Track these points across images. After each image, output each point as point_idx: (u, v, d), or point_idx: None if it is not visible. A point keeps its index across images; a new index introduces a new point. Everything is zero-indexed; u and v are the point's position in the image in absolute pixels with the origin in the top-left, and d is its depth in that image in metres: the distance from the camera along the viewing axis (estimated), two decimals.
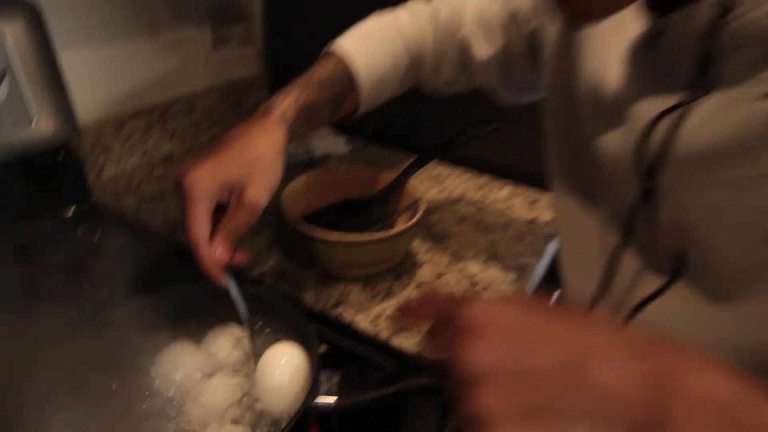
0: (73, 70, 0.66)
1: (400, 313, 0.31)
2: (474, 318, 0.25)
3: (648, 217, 0.40)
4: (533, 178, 0.86)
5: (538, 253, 0.71)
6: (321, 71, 0.53)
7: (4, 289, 0.48)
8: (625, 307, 0.45)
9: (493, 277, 0.65)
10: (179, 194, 0.44)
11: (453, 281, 0.64)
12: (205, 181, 0.43)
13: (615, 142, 0.39)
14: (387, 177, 0.70)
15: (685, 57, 0.32)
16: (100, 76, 0.77)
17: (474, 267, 0.67)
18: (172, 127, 0.88)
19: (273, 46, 1.04)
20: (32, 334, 0.49)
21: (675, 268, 0.40)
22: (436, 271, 0.66)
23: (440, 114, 0.79)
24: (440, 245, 0.71)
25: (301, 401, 0.38)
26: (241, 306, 0.45)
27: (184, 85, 0.90)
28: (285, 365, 0.40)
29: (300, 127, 0.50)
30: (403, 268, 0.65)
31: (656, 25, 0.34)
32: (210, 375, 0.44)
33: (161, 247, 0.64)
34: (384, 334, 0.54)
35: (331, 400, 0.40)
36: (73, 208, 0.71)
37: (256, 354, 0.45)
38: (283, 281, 0.62)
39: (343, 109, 0.55)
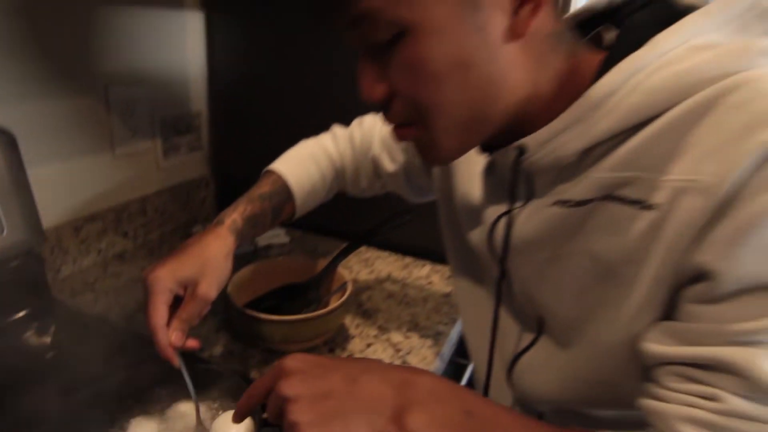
0: (38, 183, 0.75)
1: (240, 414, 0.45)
2: (282, 368, 0.39)
3: (508, 291, 0.54)
4: None
5: (452, 321, 0.84)
6: (262, 188, 0.66)
7: None
8: (508, 357, 0.58)
9: (414, 344, 0.77)
10: (144, 289, 0.54)
11: (380, 350, 0.75)
12: (165, 277, 0.53)
13: (476, 236, 0.54)
14: (320, 264, 0.82)
15: (507, 179, 0.47)
16: (61, 188, 0.87)
17: (398, 337, 0.79)
18: (125, 227, 0.98)
19: (218, 151, 1.18)
20: (7, 421, 0.56)
21: (538, 327, 0.54)
22: (365, 342, 0.77)
23: (365, 207, 0.94)
24: (369, 320, 0.83)
25: None
26: (189, 384, 0.54)
27: (136, 189, 1.01)
28: (234, 427, 0.49)
29: (247, 233, 0.62)
30: (336, 341, 0.76)
31: (490, 159, 0.50)
32: None
33: (119, 336, 0.72)
34: None
35: None
36: (32, 305, 0.77)
37: (204, 422, 0.54)
38: (231, 360, 0.70)
39: (281, 216, 0.68)
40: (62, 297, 0.83)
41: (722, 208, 0.33)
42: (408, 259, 1.05)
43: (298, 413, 0.36)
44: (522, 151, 0.44)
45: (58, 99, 0.84)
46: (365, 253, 1.06)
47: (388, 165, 0.70)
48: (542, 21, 0.39)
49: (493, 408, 0.39)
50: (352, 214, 1.02)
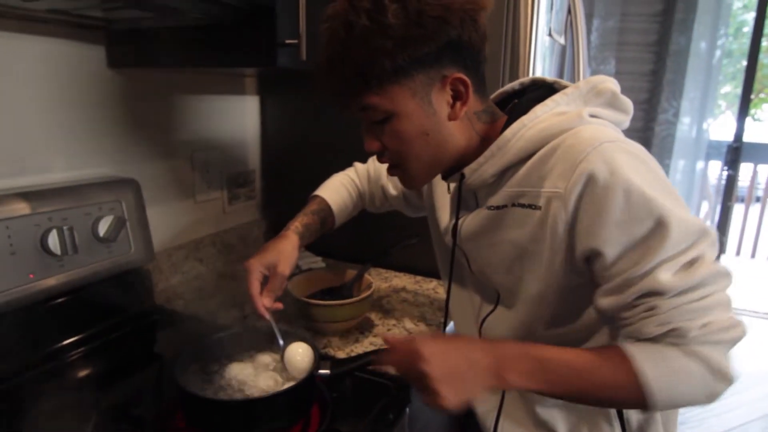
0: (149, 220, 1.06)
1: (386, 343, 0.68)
2: (420, 351, 0.60)
3: (471, 271, 0.81)
4: None
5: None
6: (312, 206, 0.96)
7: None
8: (478, 321, 0.83)
9: (421, 329, 1.03)
10: (244, 272, 0.82)
11: (396, 333, 1.01)
12: (256, 263, 0.82)
13: (447, 233, 0.81)
14: (351, 274, 1.10)
15: (457, 195, 0.75)
16: (159, 224, 1.18)
17: (409, 324, 1.05)
18: (201, 255, 1.28)
19: (268, 201, 1.50)
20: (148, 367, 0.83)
21: (497, 297, 0.80)
22: (386, 328, 1.03)
23: (381, 236, 1.22)
24: (388, 315, 1.09)
25: (311, 369, 0.74)
26: (277, 331, 0.81)
27: (209, 228, 1.32)
28: (302, 353, 0.76)
29: (304, 236, 0.91)
30: (364, 327, 1.03)
31: (446, 182, 0.79)
32: (258, 374, 0.79)
33: (203, 324, 1.00)
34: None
35: (327, 371, 0.75)
36: (144, 303, 1.06)
37: (283, 347, 0.79)
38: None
39: (327, 226, 0.97)
40: (160, 303, 1.12)
41: (576, 212, 0.60)
42: (419, 277, 1.32)
43: (437, 383, 0.58)
44: (463, 176, 0.72)
45: (161, 160, 1.17)
46: (384, 273, 1.33)
47: (392, 190, 1.00)
48: (471, 107, 0.68)
49: (547, 349, 0.62)
50: (372, 242, 1.30)
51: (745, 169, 4.07)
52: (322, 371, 0.76)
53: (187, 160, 1.24)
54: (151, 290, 1.09)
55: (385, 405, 0.81)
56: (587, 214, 0.59)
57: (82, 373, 0.91)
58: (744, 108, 3.31)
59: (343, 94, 0.67)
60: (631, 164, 0.58)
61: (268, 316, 0.81)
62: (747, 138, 3.35)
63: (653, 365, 0.57)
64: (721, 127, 3.73)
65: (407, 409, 0.86)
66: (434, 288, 1.25)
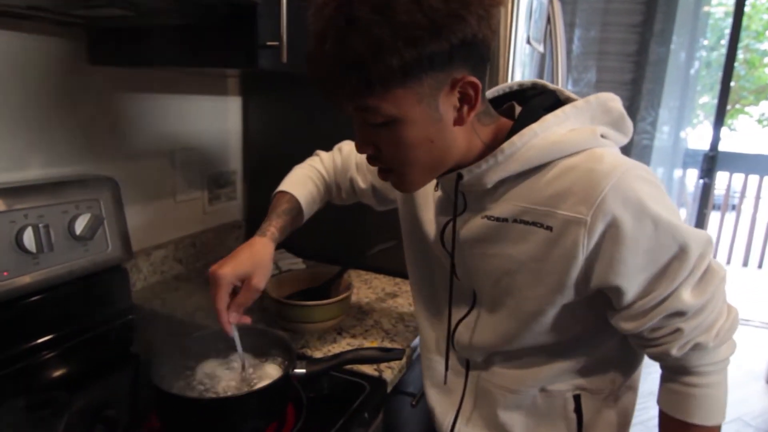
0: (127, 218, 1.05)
1: None
2: None
3: (455, 273, 0.81)
4: None
5: None
6: (283, 205, 0.88)
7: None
8: (451, 324, 0.82)
9: (399, 330, 1.04)
10: (211, 281, 0.74)
11: (374, 333, 1.02)
12: (228, 274, 0.74)
13: (432, 235, 0.81)
14: (329, 275, 1.10)
15: (450, 196, 0.73)
16: (138, 223, 1.17)
17: (387, 325, 1.06)
18: (180, 255, 1.28)
19: (249, 202, 1.50)
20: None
21: (473, 300, 0.79)
22: (364, 328, 1.04)
23: (360, 240, 1.23)
24: (367, 315, 1.10)
25: (287, 369, 0.74)
26: (239, 347, 0.77)
27: (189, 228, 1.32)
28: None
29: (278, 240, 0.86)
30: (342, 327, 1.03)
31: (437, 181, 0.79)
32: (233, 373, 0.79)
33: (178, 324, 0.99)
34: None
35: (302, 370, 0.76)
36: (121, 302, 1.06)
37: (246, 367, 0.79)
38: None
39: (297, 224, 0.92)
40: (138, 302, 1.11)
41: (600, 245, 0.60)
42: (398, 280, 1.33)
43: None
44: (460, 176, 0.67)
45: (141, 159, 1.17)
46: (364, 275, 1.34)
47: (362, 183, 0.95)
48: (475, 109, 0.62)
49: None
50: (352, 244, 1.32)
51: (721, 178, 4.17)
52: (297, 370, 0.76)
53: (168, 160, 1.23)
54: (128, 289, 1.08)
55: (361, 404, 0.81)
56: (613, 249, 0.60)
57: (56, 373, 0.91)
58: (720, 118, 3.39)
59: (339, 94, 0.59)
60: (652, 193, 0.60)
61: (232, 333, 0.76)
62: (723, 147, 3.44)
63: (706, 412, 0.67)
64: (700, 137, 3.82)
65: (383, 409, 0.87)
66: None
